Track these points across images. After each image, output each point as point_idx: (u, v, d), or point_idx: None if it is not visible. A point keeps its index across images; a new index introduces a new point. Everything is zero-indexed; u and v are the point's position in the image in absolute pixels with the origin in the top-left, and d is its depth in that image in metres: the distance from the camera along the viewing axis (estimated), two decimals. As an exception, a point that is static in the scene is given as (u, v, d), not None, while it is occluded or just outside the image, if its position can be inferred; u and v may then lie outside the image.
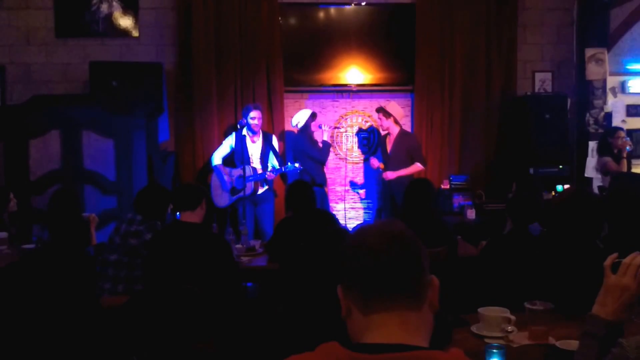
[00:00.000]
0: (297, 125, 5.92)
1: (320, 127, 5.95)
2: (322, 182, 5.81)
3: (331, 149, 6.18)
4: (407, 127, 6.45)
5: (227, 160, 5.75)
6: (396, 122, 5.79)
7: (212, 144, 6.08)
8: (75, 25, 6.21)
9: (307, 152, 5.80)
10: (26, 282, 3.08)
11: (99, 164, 5.33)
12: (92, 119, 5.33)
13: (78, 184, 5.24)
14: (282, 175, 6.06)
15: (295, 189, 4.17)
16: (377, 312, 1.13)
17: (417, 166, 5.80)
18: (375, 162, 5.85)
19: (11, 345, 2.87)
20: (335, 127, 6.42)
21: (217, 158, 5.74)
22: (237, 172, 5.54)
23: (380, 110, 5.82)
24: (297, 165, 5.46)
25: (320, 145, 5.89)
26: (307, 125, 5.88)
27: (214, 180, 5.77)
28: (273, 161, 5.66)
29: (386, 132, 5.85)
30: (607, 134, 5.96)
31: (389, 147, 5.83)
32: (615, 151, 5.78)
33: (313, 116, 5.93)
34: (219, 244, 3.41)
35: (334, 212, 6.08)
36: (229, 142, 5.73)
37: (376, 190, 6.40)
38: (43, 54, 6.23)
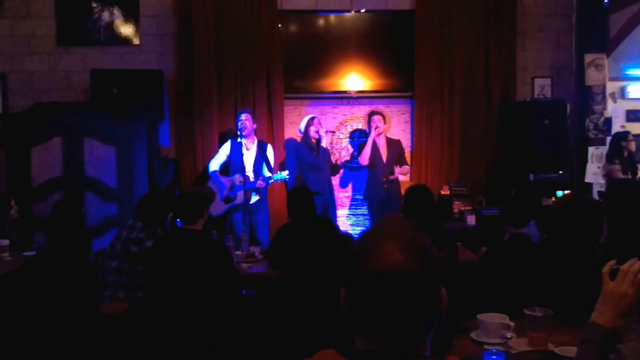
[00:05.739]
0: (300, 130, 5.91)
1: (318, 132, 5.77)
2: (320, 190, 5.62)
3: (331, 156, 6.13)
4: (407, 134, 6.48)
5: (223, 168, 5.69)
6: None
7: (212, 151, 6.08)
8: (76, 33, 6.24)
9: (303, 158, 5.78)
10: (27, 289, 3.09)
11: (100, 171, 5.35)
12: (94, 126, 5.36)
13: (79, 191, 5.26)
14: (285, 183, 6.03)
15: (295, 195, 4.18)
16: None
17: (407, 167, 6.12)
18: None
19: (12, 352, 2.88)
20: (332, 132, 6.23)
21: (213, 165, 5.66)
22: (232, 180, 5.53)
23: (379, 113, 5.98)
24: (284, 173, 5.34)
25: (316, 152, 5.77)
26: (306, 130, 5.82)
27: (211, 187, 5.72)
28: (265, 171, 5.53)
29: (380, 134, 5.92)
30: (620, 137, 5.94)
31: (383, 151, 5.91)
32: (626, 154, 5.79)
33: (311, 120, 5.84)
34: (219, 251, 3.42)
35: (337, 219, 6.06)
36: (225, 151, 5.67)
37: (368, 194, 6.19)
38: (45, 62, 6.26)
